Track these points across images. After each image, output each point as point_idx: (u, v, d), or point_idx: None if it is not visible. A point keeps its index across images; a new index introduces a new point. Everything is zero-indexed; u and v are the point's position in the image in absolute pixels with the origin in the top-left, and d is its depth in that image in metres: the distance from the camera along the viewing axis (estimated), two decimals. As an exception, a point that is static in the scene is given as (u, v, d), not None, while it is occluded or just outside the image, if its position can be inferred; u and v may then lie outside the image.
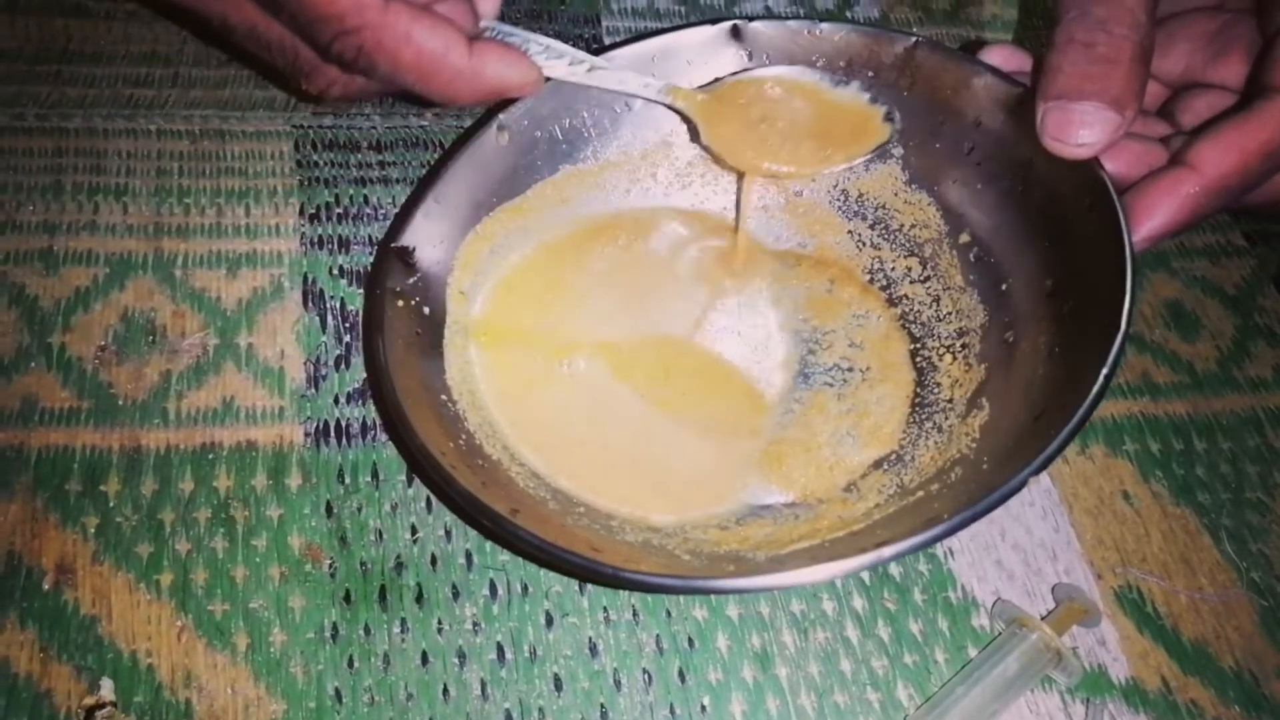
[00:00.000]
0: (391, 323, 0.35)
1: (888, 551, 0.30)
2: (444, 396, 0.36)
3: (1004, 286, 0.39)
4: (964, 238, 0.41)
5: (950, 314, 0.41)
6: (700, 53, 0.41)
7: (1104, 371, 0.32)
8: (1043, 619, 0.36)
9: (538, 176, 0.41)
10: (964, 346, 0.40)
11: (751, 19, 0.40)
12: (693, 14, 0.53)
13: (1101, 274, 0.34)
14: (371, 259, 0.42)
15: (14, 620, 0.32)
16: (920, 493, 0.36)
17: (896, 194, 0.42)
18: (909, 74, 0.40)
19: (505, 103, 0.38)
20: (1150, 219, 0.33)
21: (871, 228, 0.43)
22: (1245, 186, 0.33)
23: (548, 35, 0.38)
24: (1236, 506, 0.41)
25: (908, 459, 0.38)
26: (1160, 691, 0.36)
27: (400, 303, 0.36)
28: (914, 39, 0.39)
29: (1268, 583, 0.39)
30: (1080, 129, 0.33)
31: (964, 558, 0.38)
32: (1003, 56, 0.39)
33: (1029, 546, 0.39)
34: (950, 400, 0.39)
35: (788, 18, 0.44)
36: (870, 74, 0.40)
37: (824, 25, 0.40)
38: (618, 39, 0.50)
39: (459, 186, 0.38)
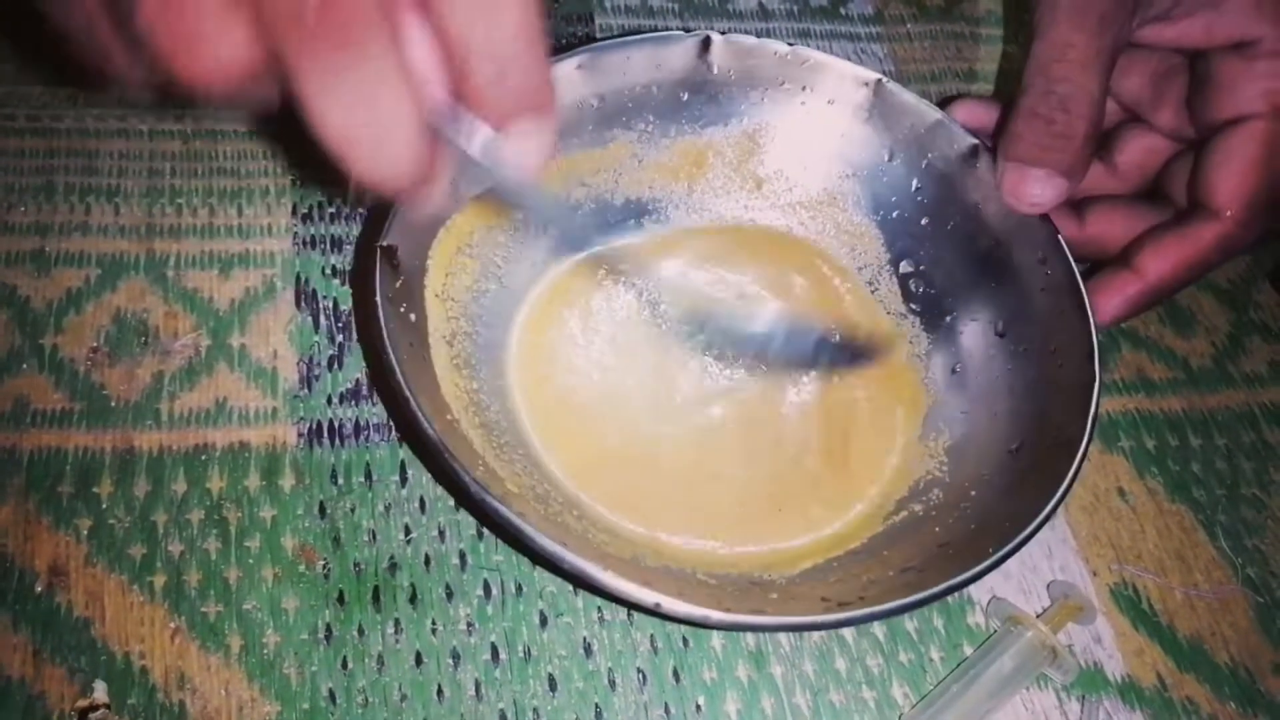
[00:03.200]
0: (395, 334, 0.33)
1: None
2: (449, 416, 0.34)
3: (948, 319, 0.41)
4: (905, 267, 0.42)
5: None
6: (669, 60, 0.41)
7: (1090, 414, 0.34)
8: (1038, 616, 0.36)
9: None
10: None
11: (724, 33, 0.40)
12: (685, 11, 0.52)
13: (1059, 326, 0.37)
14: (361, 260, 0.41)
15: (6, 623, 0.32)
16: (904, 512, 0.36)
17: (840, 218, 0.43)
18: (868, 108, 0.41)
19: None
20: (1101, 310, 0.39)
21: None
22: (1179, 287, 0.40)
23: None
24: (1232, 502, 0.41)
25: None
26: (1156, 688, 0.36)
27: (394, 309, 0.34)
28: (878, 78, 0.41)
29: (1263, 579, 0.39)
30: (1034, 188, 0.38)
31: (959, 555, 0.38)
32: (968, 112, 0.42)
33: (1024, 544, 0.39)
34: None
35: (775, 13, 0.44)
36: (831, 100, 0.42)
37: (796, 49, 0.41)
38: (611, 35, 0.50)
39: None
